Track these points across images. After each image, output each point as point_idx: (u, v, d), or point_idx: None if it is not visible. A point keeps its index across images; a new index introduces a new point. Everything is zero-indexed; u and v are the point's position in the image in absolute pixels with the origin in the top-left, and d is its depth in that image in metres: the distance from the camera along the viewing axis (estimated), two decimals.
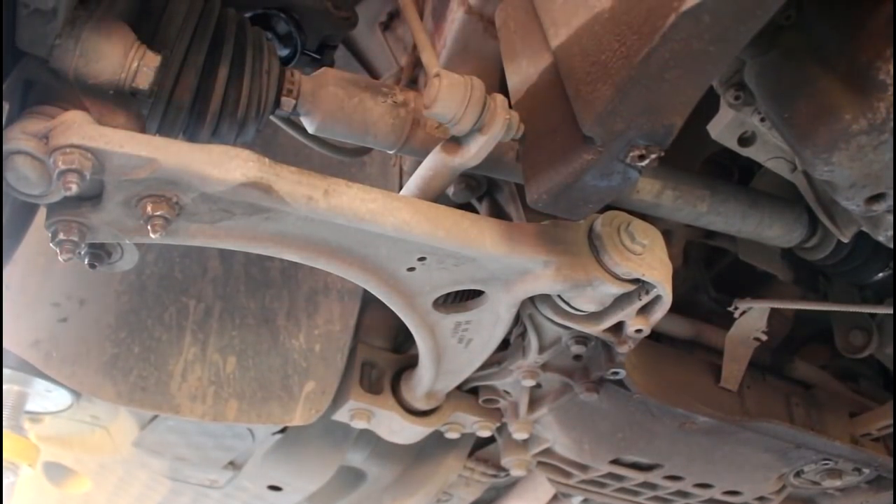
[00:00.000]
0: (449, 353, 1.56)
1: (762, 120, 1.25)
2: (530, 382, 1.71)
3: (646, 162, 1.02)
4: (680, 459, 1.94)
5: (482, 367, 1.66)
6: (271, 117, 1.37)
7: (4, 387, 1.84)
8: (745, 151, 1.35)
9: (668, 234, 1.61)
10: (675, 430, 1.79)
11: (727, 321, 1.78)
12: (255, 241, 1.18)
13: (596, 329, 1.38)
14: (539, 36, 1.12)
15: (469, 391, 1.93)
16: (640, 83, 0.92)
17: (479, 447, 2.42)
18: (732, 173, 1.70)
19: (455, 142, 1.21)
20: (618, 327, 1.38)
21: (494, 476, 2.48)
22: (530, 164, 1.15)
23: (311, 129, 1.32)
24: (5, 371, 1.78)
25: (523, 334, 1.62)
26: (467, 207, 1.59)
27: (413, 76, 1.68)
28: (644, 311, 1.33)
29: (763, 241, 1.59)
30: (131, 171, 1.03)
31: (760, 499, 2.08)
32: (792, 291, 1.90)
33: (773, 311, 1.76)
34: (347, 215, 1.13)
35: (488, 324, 1.45)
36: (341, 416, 1.91)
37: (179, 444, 2.08)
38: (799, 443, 1.82)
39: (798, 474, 1.96)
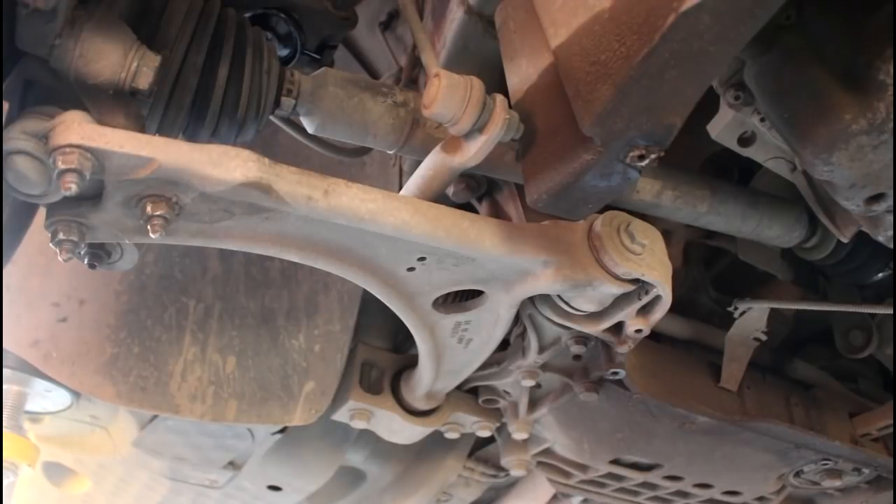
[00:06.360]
0: (449, 353, 1.56)
1: (762, 120, 1.25)
2: (530, 382, 1.71)
3: (646, 162, 1.01)
4: (680, 459, 1.94)
5: (482, 367, 1.66)
6: (271, 117, 1.36)
7: (4, 387, 1.84)
8: (745, 151, 1.35)
9: (668, 234, 1.62)
10: (674, 430, 1.79)
11: (727, 321, 1.78)
12: (255, 241, 1.18)
13: (596, 329, 1.38)
14: (539, 36, 1.12)
15: (469, 391, 1.94)
16: (640, 83, 0.92)
17: (478, 447, 2.42)
18: (732, 173, 1.70)
19: (455, 142, 1.21)
20: (618, 327, 1.38)
21: (494, 476, 2.48)
22: (530, 164, 1.15)
23: (310, 129, 1.32)
24: (5, 371, 1.78)
25: (523, 334, 1.62)
26: (467, 207, 1.59)
27: (413, 76, 1.68)
28: (644, 311, 1.33)
29: (763, 242, 1.59)
30: (131, 170, 1.03)
31: (760, 499, 2.08)
32: (792, 291, 1.89)
33: (773, 311, 1.76)
34: (347, 215, 1.13)
35: (488, 324, 1.45)
36: (341, 416, 1.91)
37: (179, 444, 2.08)
38: (799, 443, 1.82)
39: (798, 474, 1.96)
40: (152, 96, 1.11)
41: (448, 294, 1.38)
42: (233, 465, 2.20)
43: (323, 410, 1.86)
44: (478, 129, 1.15)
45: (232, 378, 1.82)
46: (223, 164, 1.06)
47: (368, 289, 1.33)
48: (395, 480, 2.48)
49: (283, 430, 2.05)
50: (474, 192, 1.60)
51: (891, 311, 1.71)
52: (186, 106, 1.17)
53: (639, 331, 1.36)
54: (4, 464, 1.81)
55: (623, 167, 1.03)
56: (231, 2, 1.28)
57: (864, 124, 0.99)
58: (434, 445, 2.29)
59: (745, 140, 1.33)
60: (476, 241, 1.20)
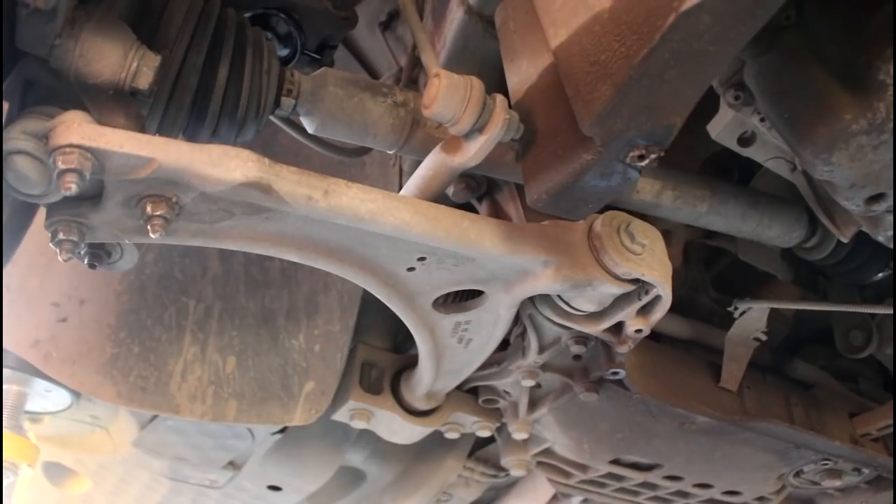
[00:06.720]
0: (449, 353, 1.56)
1: (762, 120, 1.25)
2: (530, 382, 1.71)
3: (646, 162, 1.01)
4: (679, 459, 1.94)
5: (482, 367, 1.66)
6: (271, 117, 1.36)
7: (4, 387, 1.84)
8: (745, 151, 1.35)
9: (668, 234, 1.62)
10: (674, 430, 1.79)
11: (727, 321, 1.78)
12: (255, 241, 1.18)
13: (596, 329, 1.38)
14: (539, 36, 1.12)
15: (469, 391, 1.94)
16: (640, 83, 0.92)
17: (478, 447, 2.42)
18: (732, 173, 1.70)
19: (455, 142, 1.21)
20: (618, 327, 1.38)
21: (494, 476, 2.48)
22: (530, 164, 1.15)
23: (310, 129, 1.32)
24: (5, 371, 1.78)
25: (523, 334, 1.62)
26: (467, 207, 1.59)
27: (413, 76, 1.68)
28: (644, 311, 1.33)
29: (763, 242, 1.59)
30: (131, 170, 1.03)
31: (760, 499, 2.08)
32: (792, 291, 1.89)
33: (773, 311, 1.76)
34: (347, 215, 1.13)
35: (488, 324, 1.45)
36: (341, 416, 1.91)
37: (179, 444, 2.08)
38: (799, 443, 1.82)
39: (798, 474, 1.96)
40: (152, 96, 1.11)
41: (448, 294, 1.38)
42: (233, 465, 2.20)
43: (323, 410, 1.86)
44: (478, 129, 1.15)
45: (232, 378, 1.82)
46: (223, 164, 1.06)
47: (368, 289, 1.33)
48: (395, 480, 2.48)
49: (283, 430, 2.05)
50: (474, 192, 1.60)
51: (891, 311, 1.71)
52: (186, 106, 1.17)
53: (639, 331, 1.36)
54: (4, 464, 1.81)
55: (623, 167, 1.03)
56: (231, 2, 1.28)
57: (864, 124, 0.99)
58: (434, 445, 2.29)
59: (745, 140, 1.33)
60: (476, 241, 1.20)
